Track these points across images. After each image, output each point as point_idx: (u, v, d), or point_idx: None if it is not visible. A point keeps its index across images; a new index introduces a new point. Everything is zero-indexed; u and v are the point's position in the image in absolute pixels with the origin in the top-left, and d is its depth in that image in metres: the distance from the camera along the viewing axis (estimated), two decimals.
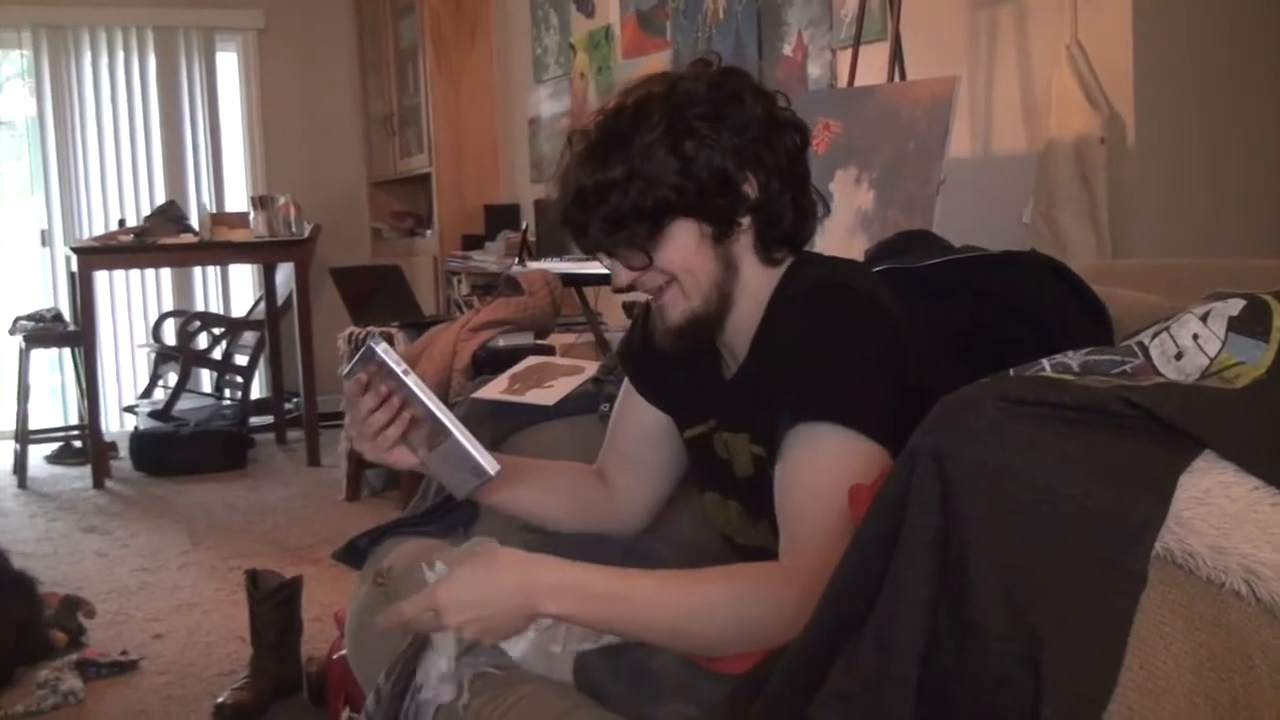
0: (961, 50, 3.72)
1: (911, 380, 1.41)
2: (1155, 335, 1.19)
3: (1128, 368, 1.15)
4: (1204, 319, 1.16)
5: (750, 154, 1.51)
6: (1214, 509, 0.98)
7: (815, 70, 4.35)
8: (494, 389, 2.48)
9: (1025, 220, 3.42)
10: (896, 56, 3.60)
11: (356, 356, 1.57)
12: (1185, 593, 0.98)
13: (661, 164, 1.48)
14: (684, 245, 1.53)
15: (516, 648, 1.57)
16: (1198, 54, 3.30)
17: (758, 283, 1.57)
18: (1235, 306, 1.16)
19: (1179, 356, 1.15)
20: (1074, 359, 1.16)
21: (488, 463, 1.53)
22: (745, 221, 1.54)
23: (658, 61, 5.17)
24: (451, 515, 2.11)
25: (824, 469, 1.38)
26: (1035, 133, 3.51)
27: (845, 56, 3.95)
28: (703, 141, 1.49)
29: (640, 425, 1.80)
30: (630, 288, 1.59)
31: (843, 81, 3.97)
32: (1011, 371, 1.16)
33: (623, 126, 1.51)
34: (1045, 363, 1.16)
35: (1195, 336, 1.16)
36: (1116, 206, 3.25)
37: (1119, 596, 0.96)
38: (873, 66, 3.82)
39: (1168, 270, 2.08)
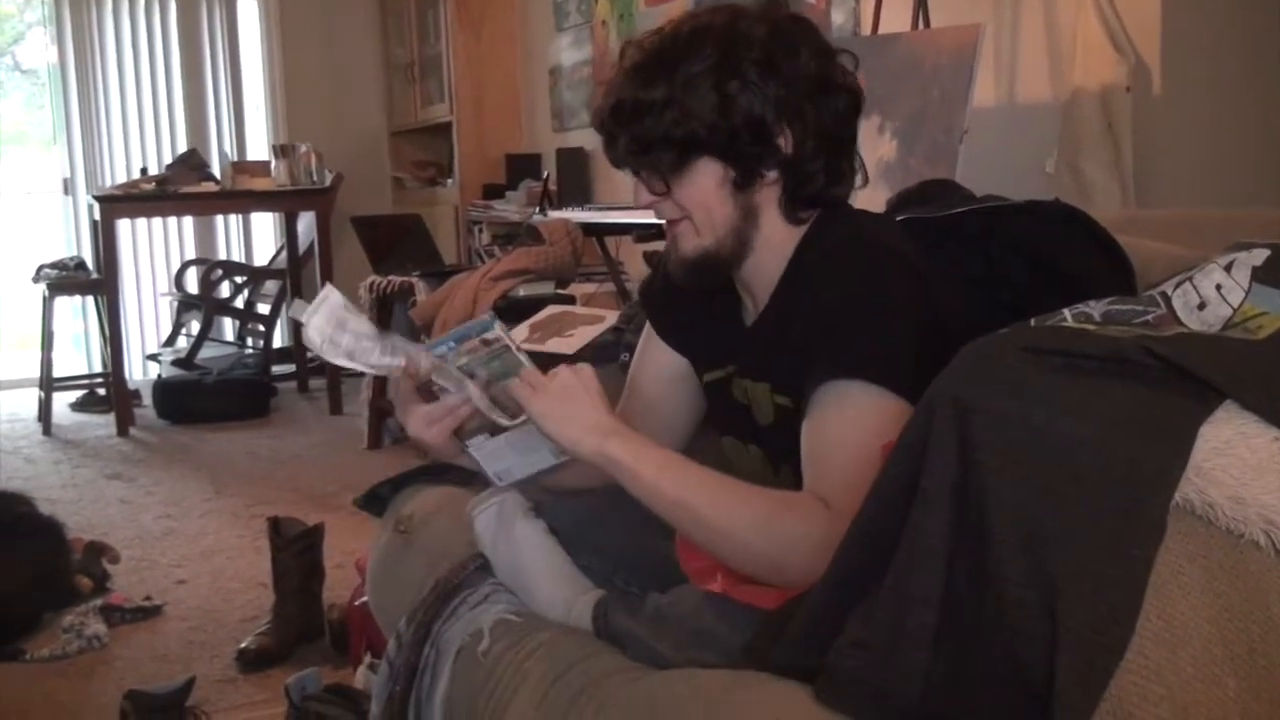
0: None
1: (936, 340, 1.40)
2: (1178, 285, 1.18)
3: (1149, 318, 1.14)
4: (1228, 269, 1.16)
5: (793, 108, 1.48)
6: (1234, 459, 0.97)
7: (839, 18, 4.31)
8: (515, 338, 2.48)
9: (1049, 170, 3.39)
10: (921, 4, 3.56)
11: (448, 334, 1.56)
12: (1204, 543, 0.98)
13: (701, 98, 1.47)
14: (704, 184, 1.52)
15: (483, 516, 1.62)
16: (1226, 1, 3.25)
17: (780, 236, 1.55)
18: (1259, 256, 1.15)
19: (1201, 307, 1.14)
20: (1095, 309, 1.15)
21: None
22: (772, 175, 1.52)
23: (680, 8, 5.13)
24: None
25: (853, 422, 1.38)
26: (1060, 81, 3.47)
27: (869, 4, 3.91)
28: (747, 85, 1.47)
29: (659, 371, 1.80)
30: (648, 208, 1.59)
31: (866, 29, 3.94)
32: (1033, 321, 1.15)
33: (675, 50, 1.49)
34: (1066, 312, 1.15)
35: (1219, 287, 1.15)
36: (1141, 156, 3.22)
37: (1137, 546, 0.96)
38: (897, 14, 3.78)
39: (1192, 220, 2.06)
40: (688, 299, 1.67)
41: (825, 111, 1.51)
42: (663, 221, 1.60)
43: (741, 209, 1.53)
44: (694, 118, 1.47)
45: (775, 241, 1.55)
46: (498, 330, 1.52)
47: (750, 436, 1.66)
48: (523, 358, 1.53)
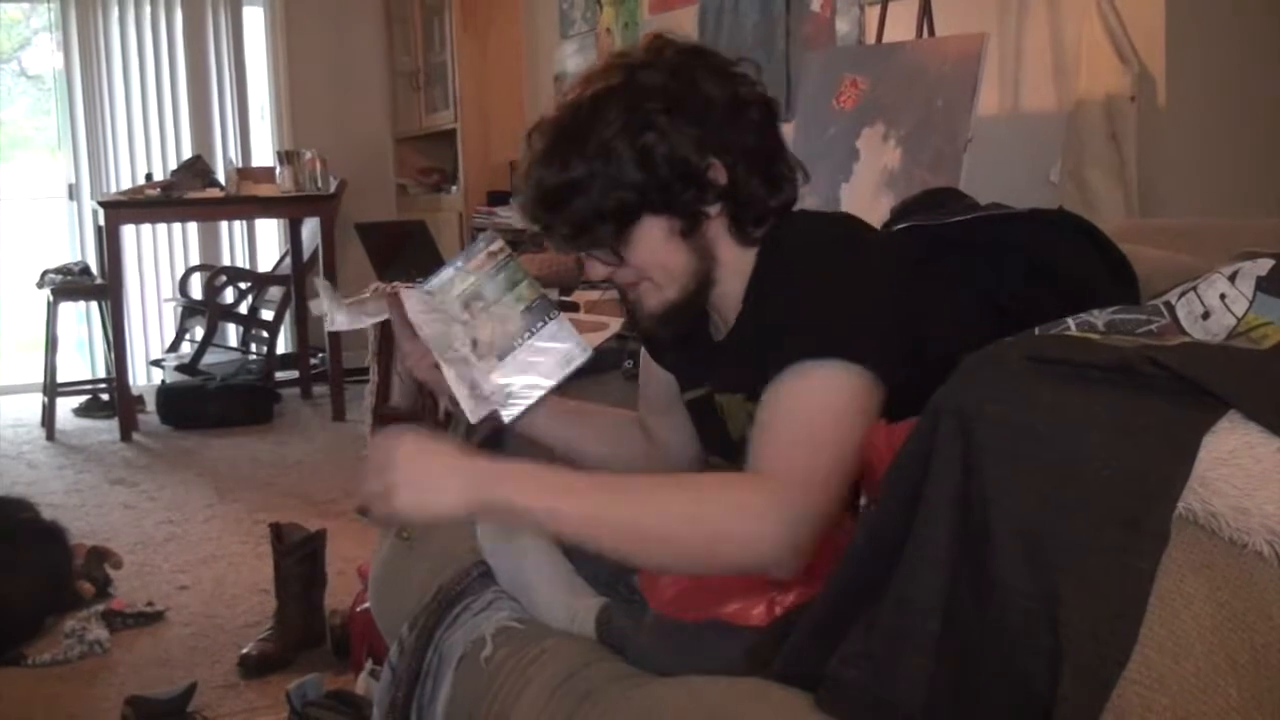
0: (991, 6, 3.68)
1: (907, 323, 1.39)
2: (1182, 295, 1.18)
3: (1153, 327, 1.14)
4: (1232, 279, 1.16)
5: (714, 140, 1.47)
6: (1238, 470, 0.97)
7: (843, 26, 4.31)
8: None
9: (1053, 179, 3.39)
10: (925, 13, 3.57)
11: (456, 256, 1.62)
12: (1207, 553, 0.97)
13: (621, 162, 1.44)
14: (653, 243, 1.50)
15: (484, 527, 1.64)
16: (1230, 10, 3.25)
17: (739, 259, 1.54)
18: (1264, 266, 1.15)
19: (1206, 316, 1.14)
20: (1099, 318, 1.15)
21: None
22: (715, 209, 1.50)
23: (685, 16, 5.14)
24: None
25: (804, 394, 1.34)
26: (1064, 90, 3.47)
27: (874, 12, 3.91)
28: (662, 135, 1.44)
29: (662, 382, 1.80)
30: (608, 280, 1.57)
31: (871, 38, 3.94)
32: (1036, 330, 1.15)
33: (580, 123, 1.47)
34: (1070, 321, 1.15)
35: (1223, 296, 1.15)
36: (1146, 165, 3.22)
37: (1141, 556, 0.96)
38: (901, 23, 3.78)
39: (1196, 229, 2.06)
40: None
41: (746, 130, 1.49)
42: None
43: (696, 252, 1.51)
44: (621, 184, 1.45)
45: (736, 266, 1.54)
46: (500, 243, 1.61)
47: (730, 454, 1.65)
48: (525, 271, 1.61)
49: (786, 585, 1.31)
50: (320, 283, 1.63)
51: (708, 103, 1.47)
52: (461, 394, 1.57)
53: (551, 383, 1.65)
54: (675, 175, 1.46)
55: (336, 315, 1.61)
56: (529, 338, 1.64)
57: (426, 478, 1.30)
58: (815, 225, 1.53)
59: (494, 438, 1.83)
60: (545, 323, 1.65)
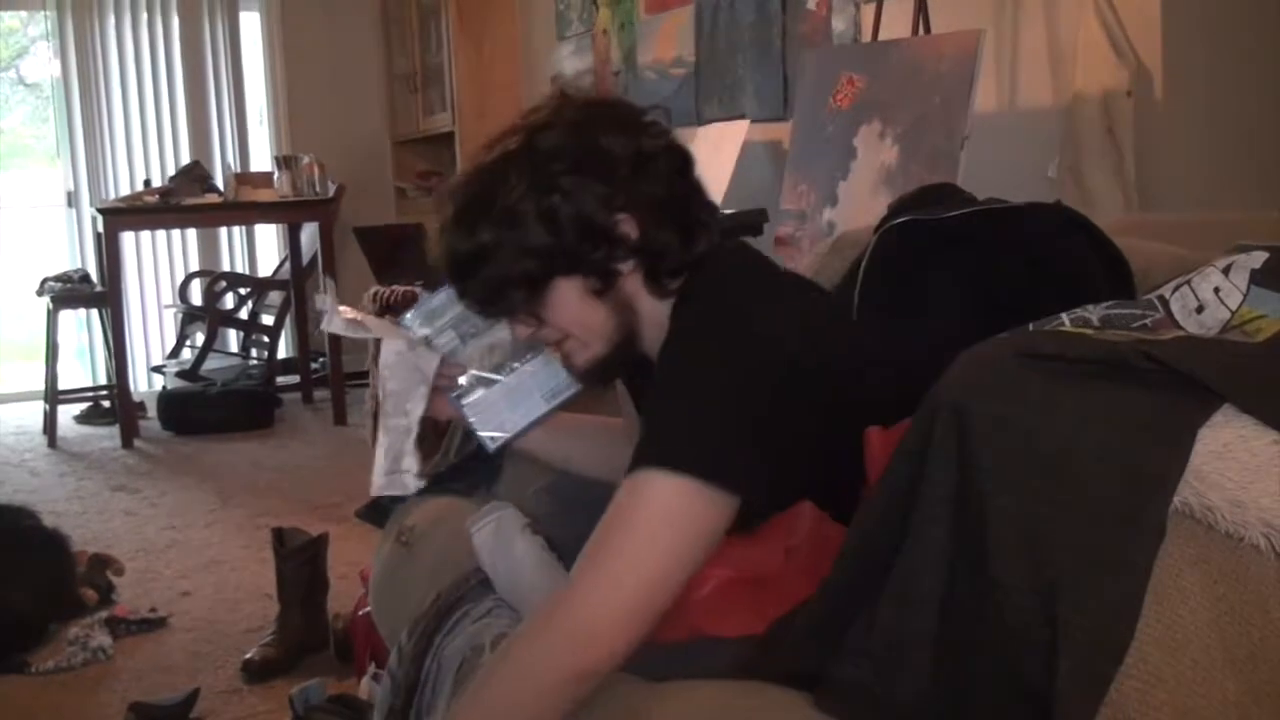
0: (987, 3, 3.68)
1: (792, 411, 1.33)
2: (1176, 289, 1.18)
3: (1148, 321, 1.14)
4: (1226, 271, 1.16)
5: (620, 196, 1.44)
6: (1233, 463, 0.97)
7: (839, 24, 4.31)
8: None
9: (1050, 175, 3.39)
10: (921, 10, 3.56)
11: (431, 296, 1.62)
12: (1204, 547, 0.97)
13: (527, 226, 1.44)
14: (569, 304, 1.48)
15: (481, 533, 1.62)
16: (1227, 4, 3.25)
17: (659, 311, 1.49)
18: (1258, 259, 1.15)
19: (1200, 310, 1.14)
20: (1093, 313, 1.15)
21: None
22: (628, 266, 1.47)
23: (680, 17, 5.14)
24: (474, 473, 2.11)
25: (631, 506, 1.28)
26: (1061, 86, 3.47)
27: (870, 10, 3.91)
28: (566, 195, 1.43)
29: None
30: (529, 340, 1.57)
31: (867, 36, 3.94)
32: (1031, 326, 1.15)
33: (485, 189, 1.46)
34: (1065, 317, 1.15)
35: (1216, 290, 1.15)
36: (1143, 160, 3.22)
37: (1137, 551, 0.96)
38: (897, 20, 3.78)
39: (1194, 224, 2.06)
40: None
41: (653, 182, 1.46)
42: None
43: (615, 308, 1.49)
44: (528, 250, 1.44)
45: (658, 317, 1.49)
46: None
47: None
48: None
49: (768, 595, 1.31)
50: (327, 282, 1.65)
51: (611, 158, 1.44)
52: (379, 463, 1.57)
53: (536, 415, 1.66)
54: (582, 235, 1.44)
55: (334, 318, 1.61)
56: (517, 367, 1.64)
57: None
58: (714, 291, 1.45)
59: (496, 456, 1.84)
60: (536, 353, 1.65)
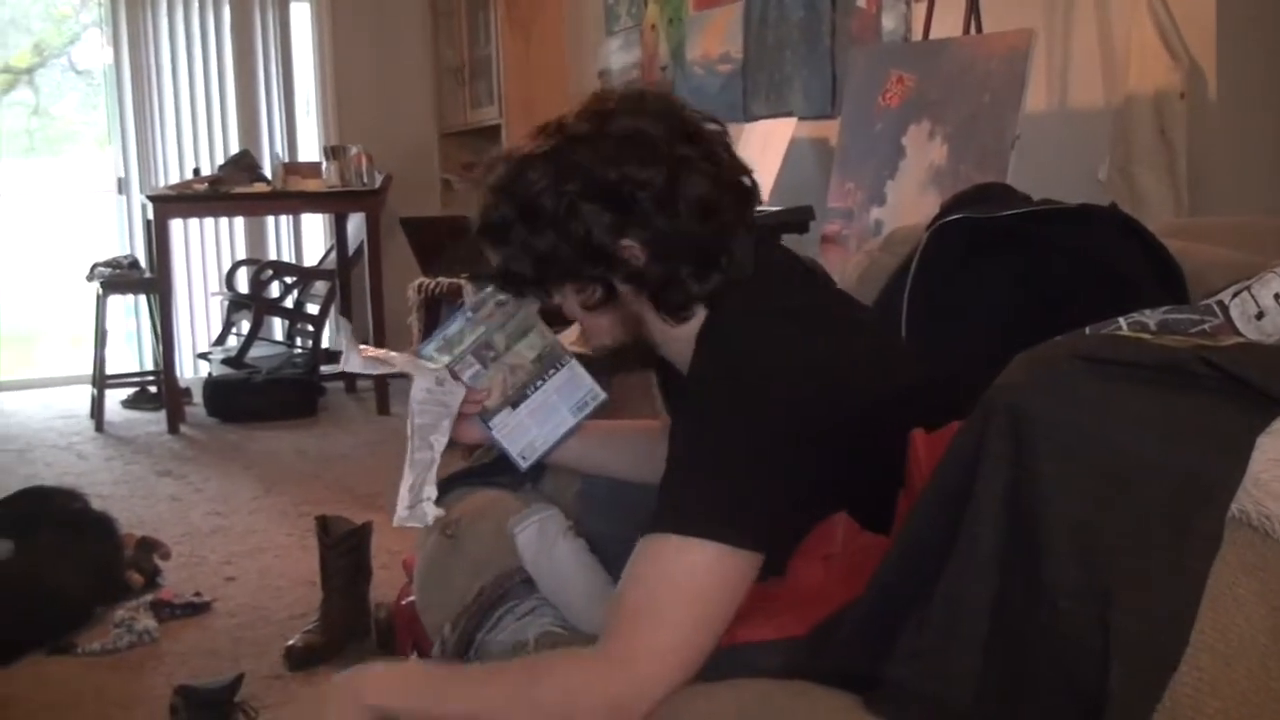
0: (1039, 2, 3.65)
1: (814, 458, 1.31)
2: (1235, 294, 1.17)
3: (1206, 327, 1.14)
4: None
5: (633, 225, 1.43)
6: None
7: (889, 23, 4.29)
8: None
9: (1101, 177, 3.36)
10: (973, 9, 3.54)
11: (464, 306, 1.64)
12: (1261, 555, 0.97)
13: (536, 227, 1.46)
14: (570, 304, 1.52)
15: (524, 534, 1.65)
16: None
17: (676, 332, 1.48)
18: None
19: (1260, 316, 1.13)
20: (1151, 317, 1.14)
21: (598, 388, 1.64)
22: (628, 289, 1.47)
23: (729, 13, 5.13)
24: (518, 467, 2.12)
25: (656, 567, 1.29)
26: (1113, 87, 3.44)
27: (920, 9, 3.89)
28: (575, 214, 1.43)
29: None
30: None
31: (917, 34, 3.92)
32: (1087, 330, 1.15)
33: (513, 175, 1.48)
34: (1122, 321, 1.15)
35: (1277, 295, 1.14)
36: (1196, 163, 3.19)
37: (1192, 557, 0.96)
38: (948, 19, 3.76)
39: (1249, 227, 2.03)
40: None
41: (669, 219, 1.43)
42: None
43: (618, 318, 1.51)
44: (530, 248, 1.47)
45: (676, 336, 1.49)
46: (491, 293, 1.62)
47: None
48: (537, 318, 1.63)
49: (809, 600, 1.31)
50: (341, 322, 1.67)
51: (633, 187, 1.42)
52: (402, 497, 1.59)
53: (564, 430, 1.68)
54: (581, 251, 1.45)
55: (352, 356, 1.63)
56: (541, 385, 1.66)
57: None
58: (732, 338, 1.41)
59: (529, 474, 1.85)
60: (557, 369, 1.67)
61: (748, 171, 1.51)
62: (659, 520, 1.30)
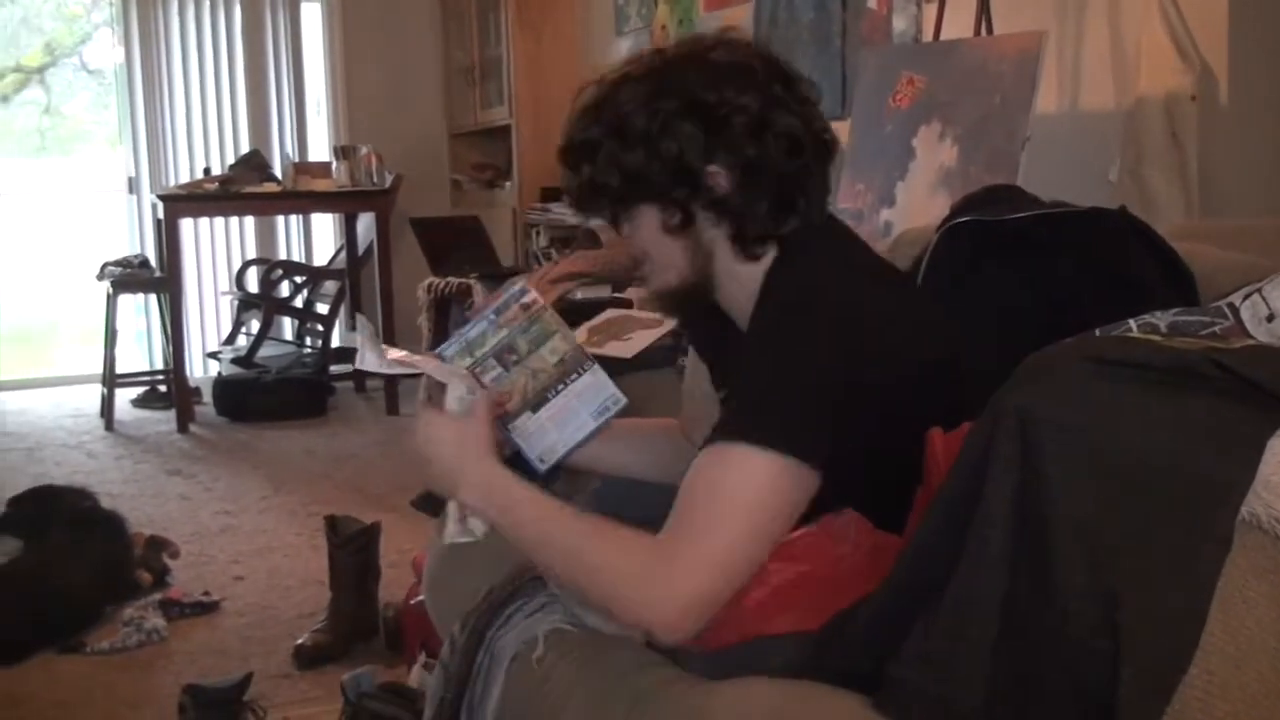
0: (1050, 4, 3.65)
1: (870, 394, 1.36)
2: (1246, 297, 1.17)
3: (1217, 329, 1.13)
4: None
5: (723, 149, 1.46)
6: None
7: (900, 24, 4.29)
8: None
9: (1111, 179, 3.35)
10: (984, 10, 3.54)
11: (488, 309, 1.64)
12: (1271, 558, 0.96)
13: (626, 143, 1.48)
14: (648, 229, 1.53)
15: (481, 528, 1.63)
16: None
17: (742, 272, 1.52)
18: None
19: (1271, 318, 1.13)
20: (1161, 320, 1.14)
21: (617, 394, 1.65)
22: (709, 216, 1.50)
23: (739, 14, 5.13)
24: (528, 463, 2.12)
25: (721, 474, 1.34)
26: (1124, 89, 3.43)
27: (931, 10, 3.89)
28: (669, 131, 1.46)
29: (705, 397, 1.80)
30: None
31: (928, 35, 3.92)
32: (1097, 331, 1.14)
33: (611, 95, 1.51)
34: (1132, 323, 1.14)
35: None
36: (1207, 165, 3.18)
37: (1201, 560, 0.95)
38: (959, 20, 3.75)
39: (1259, 230, 2.03)
40: (708, 316, 1.65)
41: (759, 148, 1.46)
42: None
43: (690, 249, 1.52)
44: (619, 164, 1.49)
45: (740, 277, 1.53)
46: (533, 294, 1.62)
47: None
48: (559, 323, 1.64)
49: (822, 591, 1.31)
50: (360, 320, 1.66)
51: (729, 111, 1.46)
52: (451, 514, 1.60)
53: (585, 434, 1.68)
54: (671, 171, 1.47)
55: (368, 354, 1.62)
56: (562, 389, 1.66)
57: (440, 464, 1.53)
58: (812, 270, 1.48)
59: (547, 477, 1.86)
60: (579, 374, 1.67)
61: (830, 128, 1.55)
62: (724, 429, 1.35)
